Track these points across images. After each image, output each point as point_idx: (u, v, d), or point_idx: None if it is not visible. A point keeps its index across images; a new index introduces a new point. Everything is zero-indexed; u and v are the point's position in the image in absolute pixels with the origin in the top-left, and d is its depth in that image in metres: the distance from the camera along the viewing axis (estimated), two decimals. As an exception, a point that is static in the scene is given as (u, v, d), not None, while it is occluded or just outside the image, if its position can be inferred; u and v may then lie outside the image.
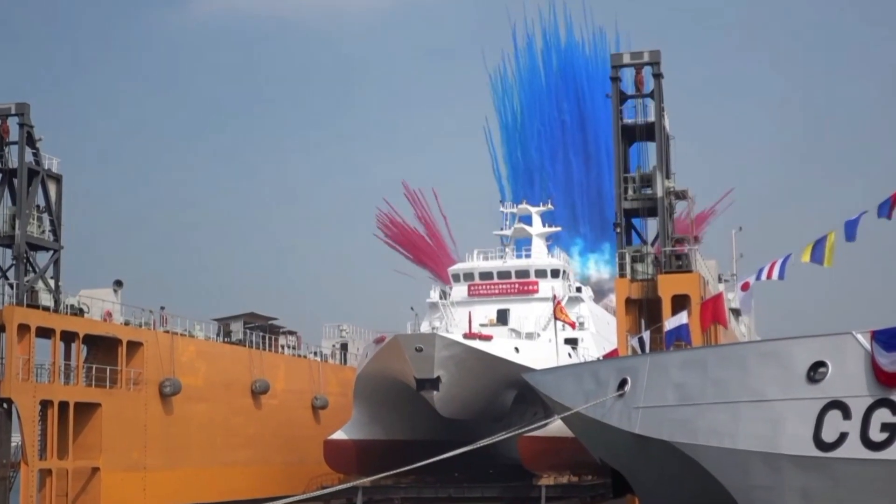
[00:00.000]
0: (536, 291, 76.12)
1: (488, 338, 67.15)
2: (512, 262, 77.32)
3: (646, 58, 68.68)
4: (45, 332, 62.07)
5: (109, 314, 66.85)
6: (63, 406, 62.03)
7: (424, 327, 73.75)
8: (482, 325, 73.08)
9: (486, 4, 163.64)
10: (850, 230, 41.77)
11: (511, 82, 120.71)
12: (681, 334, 47.86)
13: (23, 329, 60.32)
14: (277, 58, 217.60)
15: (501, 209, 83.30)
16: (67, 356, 64.83)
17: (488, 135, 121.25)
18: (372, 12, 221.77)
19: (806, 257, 43.12)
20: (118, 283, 68.22)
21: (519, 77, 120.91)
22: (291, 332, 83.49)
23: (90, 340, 65.66)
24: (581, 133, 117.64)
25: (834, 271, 45.61)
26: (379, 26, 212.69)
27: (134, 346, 67.33)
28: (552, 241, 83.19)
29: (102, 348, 66.26)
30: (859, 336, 35.06)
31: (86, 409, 63.69)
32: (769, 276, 44.93)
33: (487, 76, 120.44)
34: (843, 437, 34.11)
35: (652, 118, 67.44)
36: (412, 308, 74.32)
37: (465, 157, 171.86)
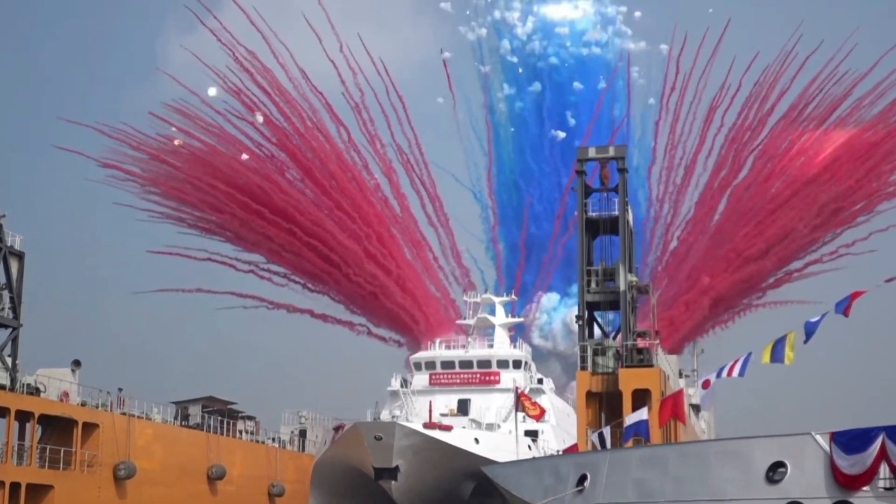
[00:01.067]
0: (498, 382, 76.03)
1: (448, 428, 66.77)
2: (474, 352, 77.31)
3: (611, 152, 69.54)
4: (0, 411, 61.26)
5: (66, 394, 66.04)
6: (14, 487, 60.93)
7: (384, 415, 73.25)
8: (443, 415, 72.69)
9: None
10: (810, 331, 42.11)
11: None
12: (640, 430, 47.83)
13: (-23, 408, 59.47)
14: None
15: (465, 299, 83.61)
16: (21, 436, 63.85)
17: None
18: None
19: (766, 358, 43.39)
20: (76, 363, 67.52)
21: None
22: (250, 417, 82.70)
23: (46, 420, 64.74)
24: None
25: (796, 368, 45.96)
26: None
27: (90, 427, 66.42)
28: (515, 332, 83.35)
29: (58, 429, 65.32)
30: (818, 437, 35.17)
31: (38, 491, 62.57)
32: (730, 373, 45.11)
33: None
34: (802, 538, 34.08)
35: (616, 212, 68.17)
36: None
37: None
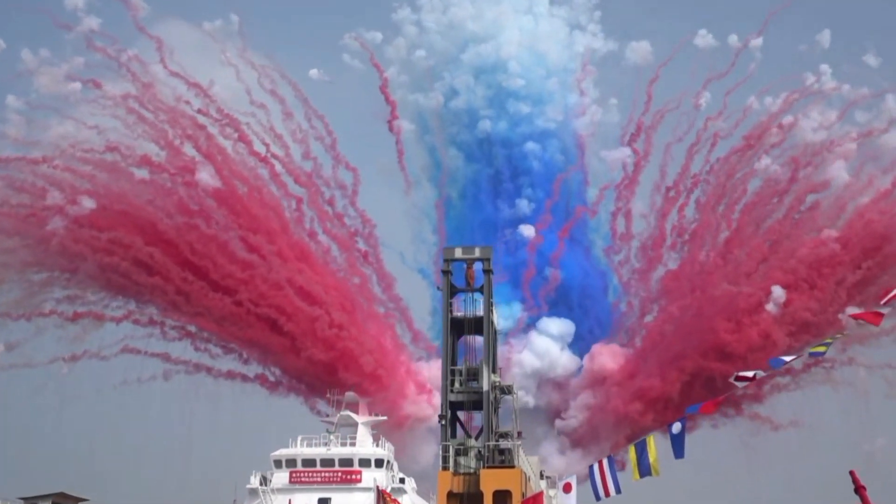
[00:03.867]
0: (359, 481, 74.96)
1: (310, 528, 65.44)
2: (336, 450, 75.79)
3: (477, 253, 70.56)
4: None
5: None
6: None
7: (244, 513, 71.57)
8: (303, 514, 71.38)
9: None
10: (676, 443, 42.50)
11: None
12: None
13: None
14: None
15: (328, 396, 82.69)
16: None
17: None
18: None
19: (636, 475, 43.64)
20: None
21: None
22: (101, 518, 79.95)
23: None
24: None
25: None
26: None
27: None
28: (377, 430, 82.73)
29: None
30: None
31: None
32: (606, 493, 44.98)
33: None
34: None
35: (481, 312, 68.99)
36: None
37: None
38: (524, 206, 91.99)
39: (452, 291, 70.74)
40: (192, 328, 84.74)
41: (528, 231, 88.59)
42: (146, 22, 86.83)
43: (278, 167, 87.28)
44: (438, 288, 71.26)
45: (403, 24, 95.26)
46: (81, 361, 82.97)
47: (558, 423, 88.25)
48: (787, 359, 49.39)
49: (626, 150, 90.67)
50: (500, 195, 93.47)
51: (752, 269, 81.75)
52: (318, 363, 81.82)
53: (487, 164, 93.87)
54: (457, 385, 69.51)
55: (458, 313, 70.53)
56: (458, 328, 70.59)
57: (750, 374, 48.61)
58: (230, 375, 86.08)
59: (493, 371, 69.88)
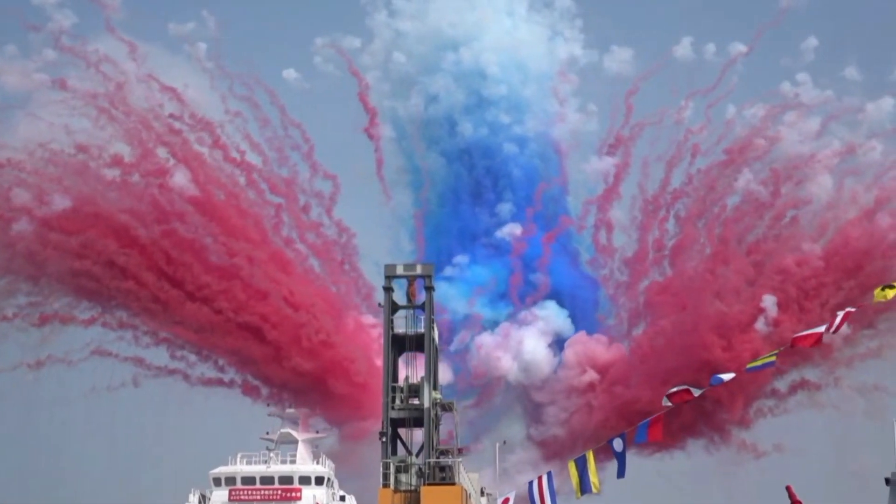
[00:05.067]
0: (299, 499, 74.70)
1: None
2: (275, 468, 75.64)
3: (419, 270, 70.61)
4: None
5: None
6: None
7: (182, 533, 70.97)
8: (242, 532, 70.89)
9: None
10: (619, 461, 42.70)
11: None
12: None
13: None
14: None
15: (268, 414, 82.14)
16: None
17: None
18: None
19: (578, 494, 43.67)
20: None
21: None
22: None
23: None
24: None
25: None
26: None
27: None
28: (318, 447, 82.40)
29: None
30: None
31: None
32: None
33: None
34: None
35: (422, 329, 69.02)
36: None
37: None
38: (505, 213, 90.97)
39: (394, 308, 70.72)
40: (167, 334, 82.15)
41: (514, 230, 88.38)
42: (118, 23, 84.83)
43: (255, 174, 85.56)
44: (379, 305, 71.19)
45: (380, 29, 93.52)
46: (46, 367, 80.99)
47: (532, 431, 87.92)
48: (725, 377, 49.85)
49: (607, 161, 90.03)
50: (480, 203, 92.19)
51: (738, 285, 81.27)
52: (305, 373, 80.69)
53: (467, 171, 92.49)
54: (398, 402, 69.44)
55: (400, 330, 70.57)
56: (400, 345, 70.59)
57: (692, 390, 48.98)
58: (208, 383, 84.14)
59: (434, 388, 69.96)
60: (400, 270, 70.95)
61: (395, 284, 71.22)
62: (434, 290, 71.17)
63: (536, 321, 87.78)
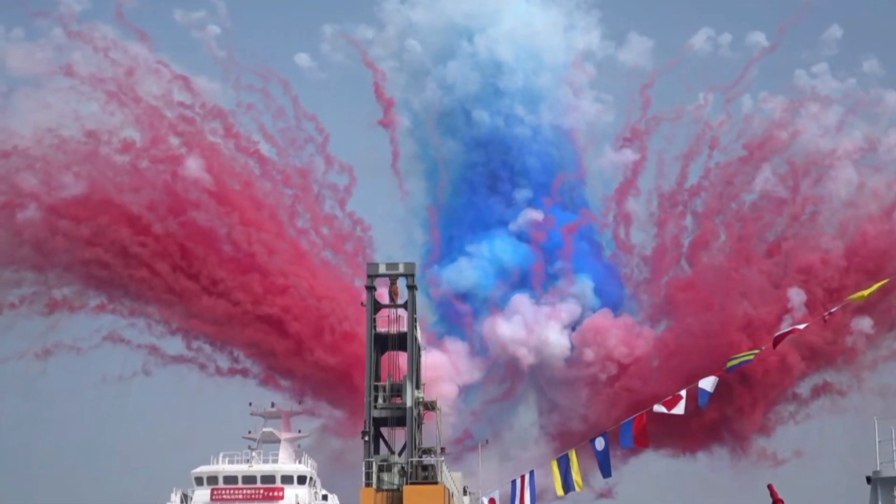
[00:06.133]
0: (282, 498, 74.65)
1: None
2: (258, 467, 75.41)
3: (401, 269, 70.53)
4: None
5: None
6: None
7: (164, 532, 70.81)
8: (225, 532, 70.81)
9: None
10: (602, 463, 42.85)
11: None
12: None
13: None
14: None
15: (251, 413, 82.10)
16: None
17: None
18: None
19: (560, 490, 43.86)
20: None
21: None
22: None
23: None
24: None
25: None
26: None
27: None
28: (301, 446, 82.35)
29: None
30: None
31: None
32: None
33: None
34: None
35: (405, 328, 68.97)
36: None
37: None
38: (521, 202, 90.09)
39: (377, 307, 70.66)
40: (181, 325, 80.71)
41: (534, 215, 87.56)
42: (127, 10, 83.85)
43: (268, 165, 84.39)
44: (362, 304, 71.09)
45: (392, 16, 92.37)
46: (54, 355, 79.40)
47: (546, 422, 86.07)
48: (708, 386, 49.62)
49: (625, 154, 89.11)
50: (496, 193, 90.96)
51: (764, 285, 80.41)
52: (327, 367, 79.23)
53: (482, 161, 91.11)
54: (380, 401, 69.45)
55: (382, 329, 70.51)
56: (382, 344, 70.54)
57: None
58: (224, 373, 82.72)
59: (417, 387, 69.98)
60: (382, 269, 70.90)
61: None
62: (416, 289, 71.08)
63: (561, 310, 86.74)
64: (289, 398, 79.78)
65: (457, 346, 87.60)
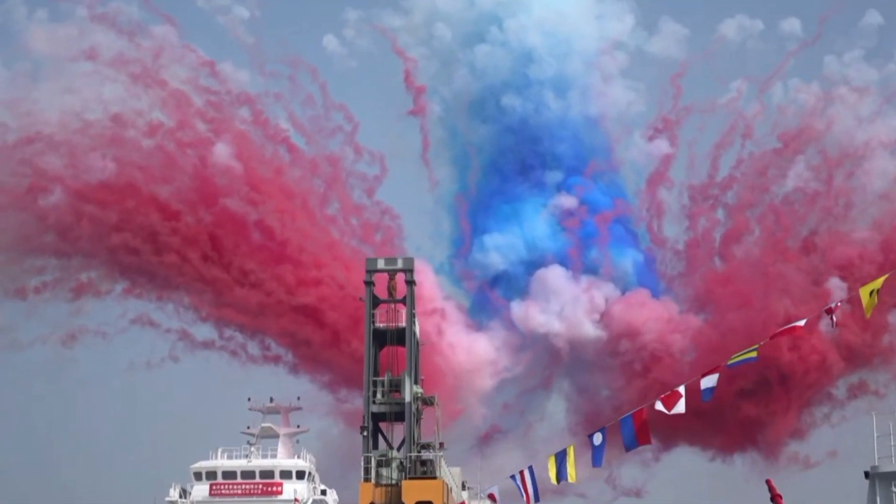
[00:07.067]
0: (280, 493, 74.71)
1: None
2: (256, 462, 75.42)
3: (400, 264, 70.48)
4: None
5: None
6: None
7: (162, 527, 70.88)
8: (223, 526, 70.91)
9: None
10: (596, 454, 43.00)
11: None
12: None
13: None
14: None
15: (249, 408, 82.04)
16: None
17: None
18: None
19: (554, 479, 43.94)
20: None
21: None
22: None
23: None
24: None
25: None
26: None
27: None
28: (299, 441, 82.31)
29: None
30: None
31: None
32: (527, 500, 45.28)
33: None
34: None
35: (404, 323, 68.95)
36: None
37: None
38: (552, 189, 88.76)
39: (375, 302, 70.59)
40: (211, 312, 79.09)
41: (567, 201, 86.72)
42: None
43: (297, 153, 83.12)
44: (361, 299, 71.00)
45: (419, 2, 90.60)
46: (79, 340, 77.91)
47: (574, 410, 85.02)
48: (710, 385, 49.25)
49: (659, 144, 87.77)
50: (527, 180, 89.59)
51: (803, 282, 79.12)
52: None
53: (513, 148, 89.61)
54: (379, 396, 69.42)
55: (381, 324, 70.43)
56: (381, 339, 70.50)
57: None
58: (255, 360, 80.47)
59: (416, 382, 69.94)
60: (381, 264, 70.83)
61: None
62: (415, 284, 71.02)
63: (596, 296, 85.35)
64: (318, 389, 78.23)
65: (489, 335, 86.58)
